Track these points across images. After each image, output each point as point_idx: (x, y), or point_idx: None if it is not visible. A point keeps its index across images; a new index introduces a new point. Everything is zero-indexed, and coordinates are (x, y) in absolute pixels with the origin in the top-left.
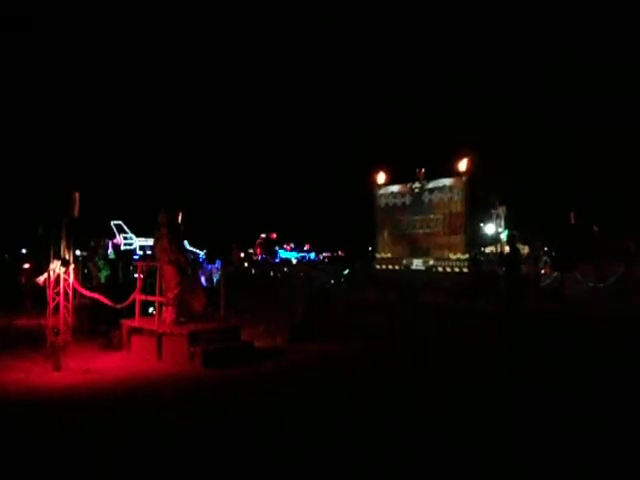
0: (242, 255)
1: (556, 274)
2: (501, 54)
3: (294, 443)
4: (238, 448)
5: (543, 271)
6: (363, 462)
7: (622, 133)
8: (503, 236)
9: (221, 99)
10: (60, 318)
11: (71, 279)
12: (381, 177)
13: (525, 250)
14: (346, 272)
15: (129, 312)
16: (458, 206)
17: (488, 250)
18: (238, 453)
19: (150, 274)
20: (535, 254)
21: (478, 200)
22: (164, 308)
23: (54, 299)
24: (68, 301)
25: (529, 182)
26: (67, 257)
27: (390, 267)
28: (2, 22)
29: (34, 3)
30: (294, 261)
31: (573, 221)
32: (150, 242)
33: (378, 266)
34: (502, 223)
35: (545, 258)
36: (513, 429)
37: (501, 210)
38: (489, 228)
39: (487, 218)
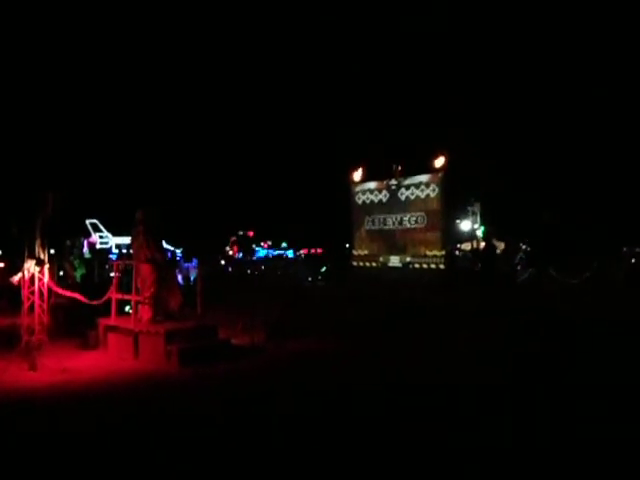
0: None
1: (531, 270)
2: (478, 49)
3: (270, 440)
4: (214, 445)
5: (519, 267)
6: (337, 458)
7: (595, 126)
8: (479, 232)
9: (197, 96)
10: (35, 317)
11: (46, 278)
12: (358, 174)
13: (501, 246)
14: (323, 269)
15: (105, 311)
16: (434, 203)
17: (464, 246)
18: (214, 450)
19: (126, 273)
20: (511, 250)
21: (454, 197)
22: (140, 307)
23: (29, 298)
24: (43, 300)
25: (504, 178)
26: (42, 256)
27: (367, 264)
28: None
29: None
30: (270, 259)
31: (547, 217)
32: (126, 240)
33: (355, 263)
34: (478, 219)
35: (521, 254)
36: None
37: (477, 207)
38: (465, 225)
39: (463, 215)
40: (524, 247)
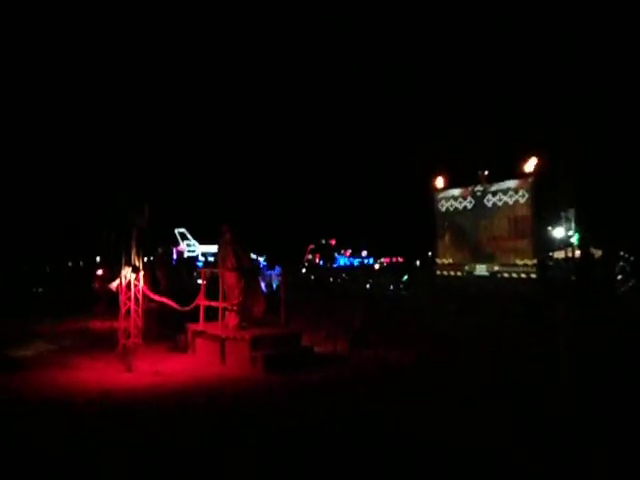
0: (306, 259)
1: (634, 280)
2: (570, 49)
3: (357, 449)
4: (302, 451)
5: (619, 277)
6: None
7: None
8: (574, 240)
9: (283, 106)
10: (131, 322)
11: (141, 285)
12: (440, 181)
13: (598, 254)
14: (405, 278)
15: (193, 317)
16: (524, 209)
17: (557, 255)
18: (301, 457)
19: (213, 280)
20: (610, 258)
21: (546, 202)
22: (227, 313)
23: (125, 304)
24: (138, 305)
25: (601, 182)
26: (137, 264)
27: (452, 273)
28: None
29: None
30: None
31: None
32: (212, 249)
33: (439, 272)
34: (572, 226)
35: (622, 263)
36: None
37: (571, 212)
38: (558, 232)
39: (555, 221)
40: (625, 255)
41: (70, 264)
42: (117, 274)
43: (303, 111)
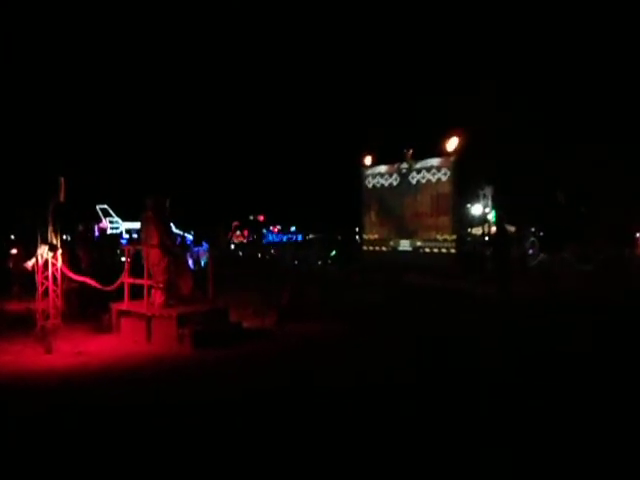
0: (230, 236)
1: (543, 255)
2: (491, 31)
3: (284, 422)
4: (228, 426)
5: (530, 252)
6: (351, 439)
7: (609, 112)
8: (490, 216)
9: (205, 81)
10: (50, 302)
11: (59, 263)
12: (368, 158)
13: (512, 230)
14: (333, 254)
15: (117, 296)
16: (446, 187)
17: (475, 231)
18: (229, 432)
19: (137, 258)
20: (522, 234)
21: (465, 180)
22: (153, 291)
23: (43, 284)
24: (57, 285)
25: (516, 161)
26: (54, 242)
27: (377, 248)
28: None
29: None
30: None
31: (561, 200)
32: (136, 225)
33: (365, 247)
34: (489, 203)
35: (532, 239)
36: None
37: (488, 190)
38: (476, 209)
39: (474, 198)
40: (534, 231)
41: None
42: (33, 253)
43: (232, 82)
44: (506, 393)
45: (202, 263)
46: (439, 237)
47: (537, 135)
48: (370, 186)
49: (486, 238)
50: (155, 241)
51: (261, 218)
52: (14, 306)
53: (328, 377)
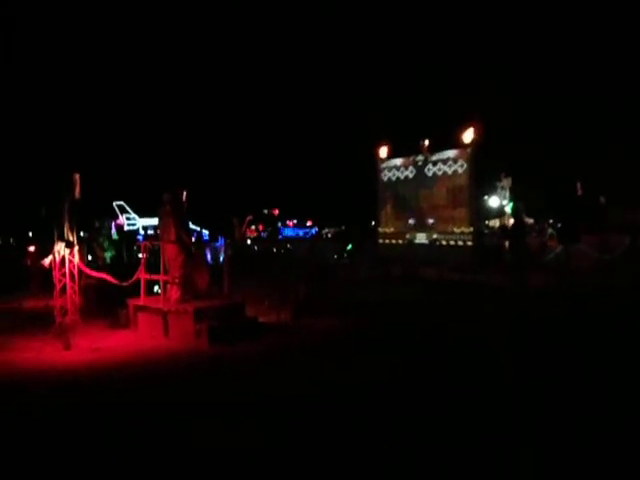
0: (244, 230)
1: (561, 247)
2: (507, 20)
3: (301, 417)
4: (249, 420)
5: (549, 244)
6: (367, 439)
7: (631, 101)
8: (508, 208)
9: (220, 76)
10: (67, 299)
11: (76, 260)
12: (383, 150)
13: (530, 222)
14: (349, 248)
15: (134, 292)
16: (462, 179)
17: (492, 223)
18: (248, 425)
19: (154, 253)
20: (540, 226)
21: (482, 172)
22: (169, 286)
23: (60, 280)
24: (74, 282)
25: (534, 153)
26: (71, 238)
27: (393, 241)
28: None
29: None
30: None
31: (579, 192)
32: (153, 222)
33: (381, 240)
34: (507, 195)
35: (550, 230)
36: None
37: (506, 182)
38: (493, 201)
39: (491, 190)
40: (552, 222)
41: None
42: (50, 250)
43: (244, 78)
44: (507, 395)
45: (221, 259)
46: (456, 230)
47: (555, 128)
48: (386, 179)
49: (502, 230)
50: (173, 237)
51: (275, 212)
52: (32, 303)
53: (345, 375)
